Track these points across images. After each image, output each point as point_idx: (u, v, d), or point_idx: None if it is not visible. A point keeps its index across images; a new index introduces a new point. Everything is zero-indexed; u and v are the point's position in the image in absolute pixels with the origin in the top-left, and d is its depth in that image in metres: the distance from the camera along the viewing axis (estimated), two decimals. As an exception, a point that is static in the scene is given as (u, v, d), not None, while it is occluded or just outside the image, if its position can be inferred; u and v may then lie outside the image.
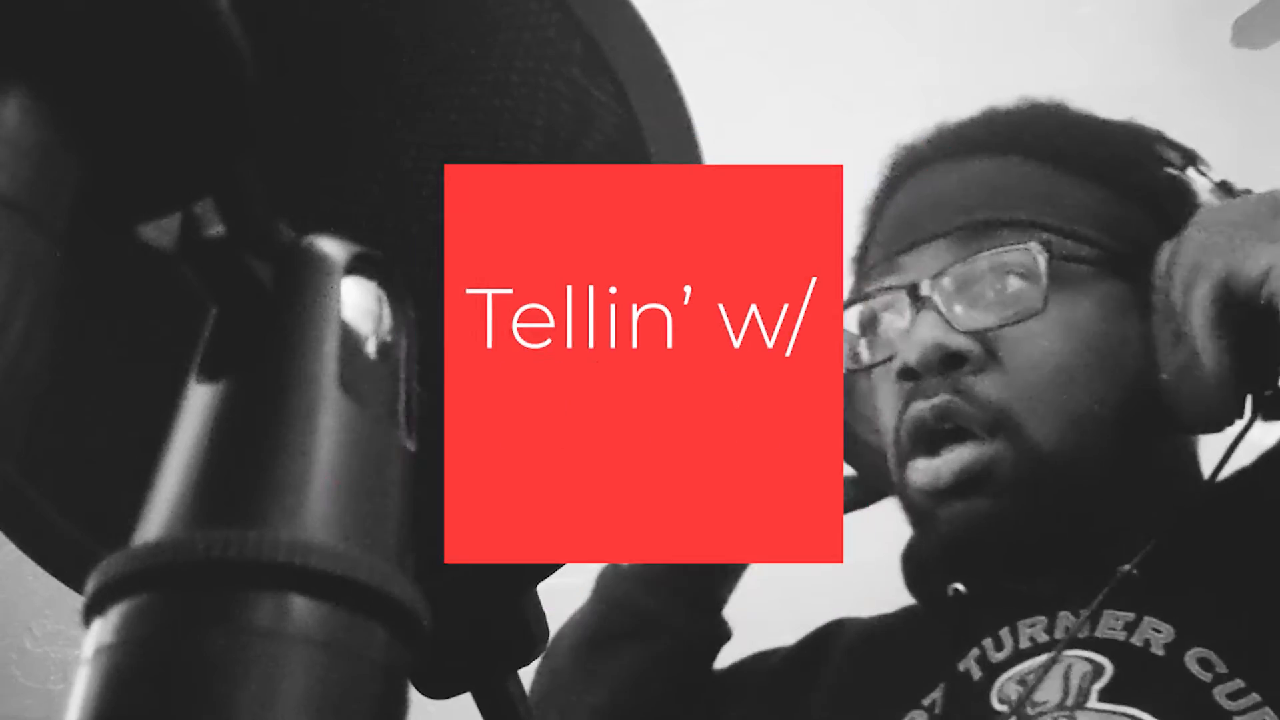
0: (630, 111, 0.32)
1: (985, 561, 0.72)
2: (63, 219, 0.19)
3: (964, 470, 0.69)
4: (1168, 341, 0.69)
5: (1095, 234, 0.72)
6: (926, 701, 0.72)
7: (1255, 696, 0.61)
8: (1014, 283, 0.71)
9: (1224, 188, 0.73)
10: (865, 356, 0.78)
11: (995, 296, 0.71)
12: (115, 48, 0.19)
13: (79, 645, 0.19)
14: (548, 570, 0.32)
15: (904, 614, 0.85)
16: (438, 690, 0.32)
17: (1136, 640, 0.66)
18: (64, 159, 0.19)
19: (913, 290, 0.73)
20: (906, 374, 0.72)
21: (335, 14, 0.35)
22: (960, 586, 0.75)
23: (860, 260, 0.83)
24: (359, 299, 0.23)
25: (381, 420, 0.22)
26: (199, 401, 0.21)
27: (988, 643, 0.72)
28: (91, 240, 0.20)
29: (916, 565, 0.83)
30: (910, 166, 0.80)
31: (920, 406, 0.71)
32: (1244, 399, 0.69)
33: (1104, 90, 0.76)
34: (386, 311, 0.24)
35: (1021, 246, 0.70)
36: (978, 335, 0.70)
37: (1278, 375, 0.70)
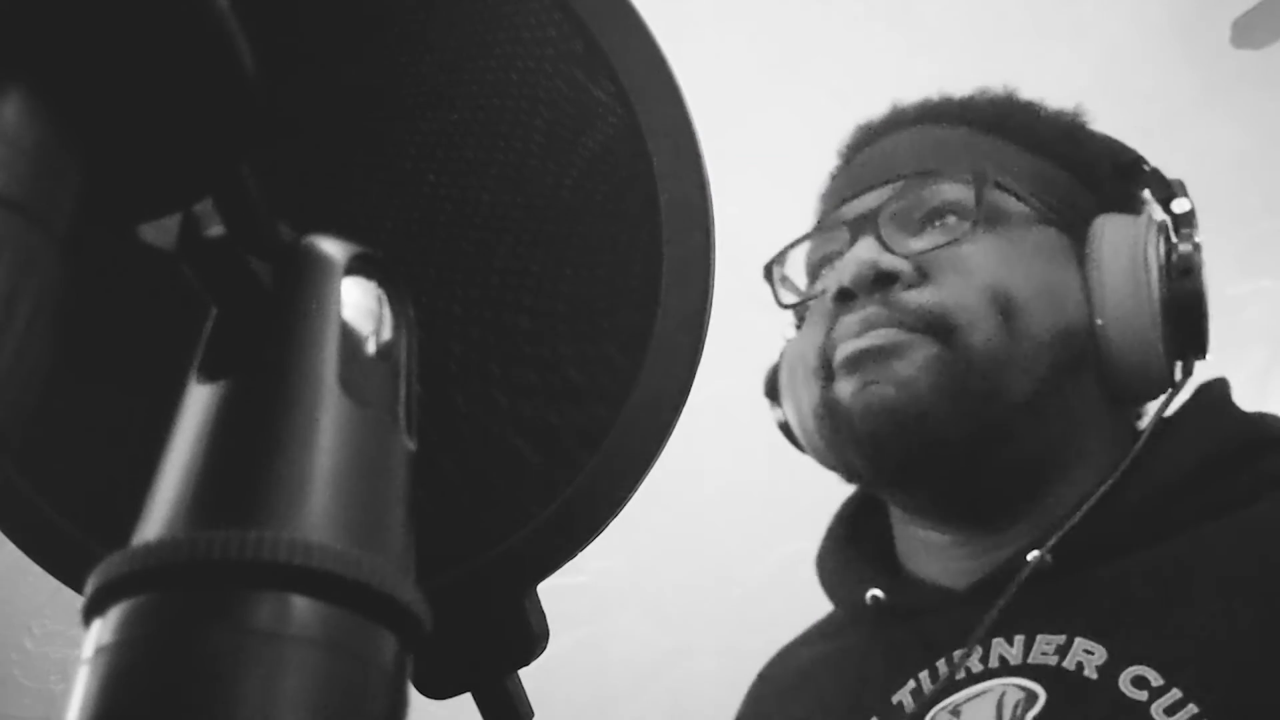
0: (631, 111, 0.32)
1: (896, 456, 0.71)
2: (63, 219, 0.19)
3: (881, 340, 0.70)
4: (1105, 293, 0.72)
5: (1034, 190, 0.75)
6: None
7: (1193, 708, 0.60)
8: (950, 219, 0.74)
9: (1150, 177, 0.79)
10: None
11: (931, 229, 0.74)
12: (116, 47, 0.19)
13: (79, 645, 0.19)
14: (548, 569, 0.32)
15: (830, 626, 0.84)
16: (438, 690, 0.32)
17: (1069, 664, 0.66)
18: (64, 159, 0.19)
19: (853, 224, 0.75)
20: (841, 295, 0.73)
21: (335, 14, 0.35)
22: (879, 593, 0.75)
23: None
24: (359, 299, 0.23)
25: (381, 420, 0.22)
26: (199, 401, 0.21)
27: (923, 675, 0.71)
28: (90, 238, 0.20)
29: (831, 565, 0.83)
30: (862, 143, 0.83)
31: (848, 319, 0.72)
32: (1174, 362, 0.73)
33: (1104, 90, 0.76)
34: (386, 311, 0.24)
35: (957, 183, 0.74)
36: (911, 258, 0.72)
37: (1205, 347, 0.74)
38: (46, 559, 0.35)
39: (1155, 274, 0.73)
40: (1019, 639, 0.68)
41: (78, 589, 0.20)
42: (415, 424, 0.24)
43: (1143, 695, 0.62)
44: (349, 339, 0.22)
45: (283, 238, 0.23)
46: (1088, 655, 0.65)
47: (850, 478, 0.79)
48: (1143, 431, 0.75)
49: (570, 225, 0.33)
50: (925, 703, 0.69)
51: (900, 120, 0.82)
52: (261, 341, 0.22)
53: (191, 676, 0.18)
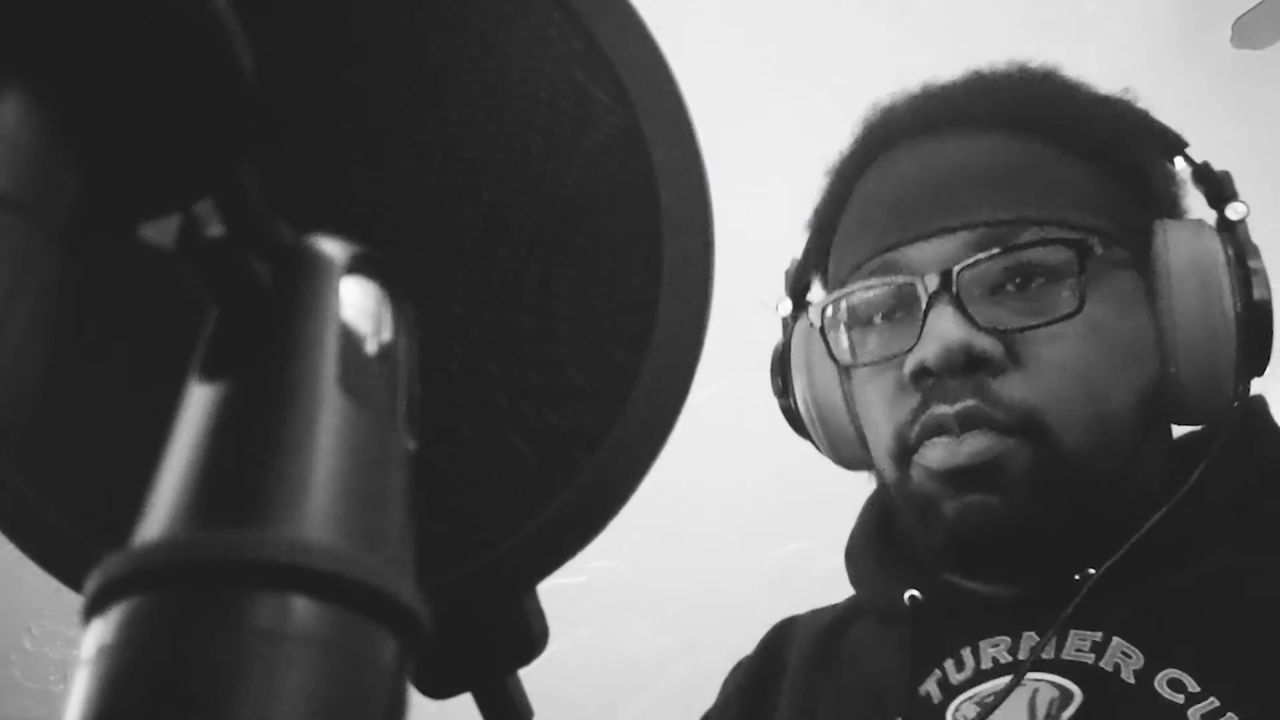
0: (631, 111, 0.32)
1: (989, 559, 0.68)
2: (62, 218, 0.19)
3: (982, 454, 0.65)
4: (1177, 336, 0.67)
5: (1104, 223, 0.68)
6: None
7: (1232, 716, 0.58)
8: (1039, 282, 0.66)
9: (1202, 174, 0.72)
10: (854, 352, 0.74)
11: (1020, 296, 0.67)
12: (115, 46, 0.19)
13: (79, 645, 0.19)
14: (548, 569, 0.32)
15: (853, 614, 0.81)
16: (437, 690, 0.32)
17: (1106, 664, 0.63)
18: (63, 158, 0.19)
19: (928, 286, 0.67)
20: (922, 374, 0.67)
21: (334, 14, 0.35)
22: (916, 593, 0.73)
23: (821, 230, 0.79)
24: (359, 299, 0.23)
25: (381, 420, 0.22)
26: (199, 401, 0.21)
27: (949, 664, 0.69)
28: (91, 236, 0.20)
29: (866, 564, 0.79)
30: (890, 136, 0.75)
31: (942, 411, 0.66)
32: (1240, 386, 0.68)
33: (1106, 89, 0.76)
34: (386, 311, 0.24)
35: (1049, 246, 0.66)
36: (1001, 336, 0.66)
37: (1267, 362, 0.69)
38: (45, 557, 0.35)
39: (1229, 302, 0.67)
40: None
41: (76, 588, 0.20)
42: (416, 424, 0.24)
43: (1179, 698, 0.60)
44: (349, 339, 0.22)
45: (283, 238, 0.23)
46: (1125, 658, 0.63)
47: (939, 569, 0.74)
48: (1186, 445, 0.72)
49: (571, 225, 0.33)
50: (950, 690, 0.67)
51: (931, 115, 0.73)
52: (261, 341, 0.22)
53: (191, 677, 0.18)
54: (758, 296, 0.85)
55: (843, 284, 0.73)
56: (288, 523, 0.19)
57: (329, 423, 0.21)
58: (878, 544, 0.80)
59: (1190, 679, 0.60)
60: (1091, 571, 0.65)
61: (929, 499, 0.68)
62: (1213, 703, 0.59)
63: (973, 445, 0.65)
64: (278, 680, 0.18)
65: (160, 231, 0.22)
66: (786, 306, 0.82)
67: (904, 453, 0.70)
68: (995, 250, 0.66)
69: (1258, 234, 0.69)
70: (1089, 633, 0.64)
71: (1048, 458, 0.65)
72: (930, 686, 0.69)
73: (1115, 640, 0.63)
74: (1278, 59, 2.22)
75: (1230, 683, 0.59)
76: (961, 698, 0.66)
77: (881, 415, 0.71)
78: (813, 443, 0.81)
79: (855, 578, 0.81)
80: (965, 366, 0.65)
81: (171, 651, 0.18)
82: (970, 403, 0.65)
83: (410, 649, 0.21)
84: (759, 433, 1.50)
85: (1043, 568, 0.68)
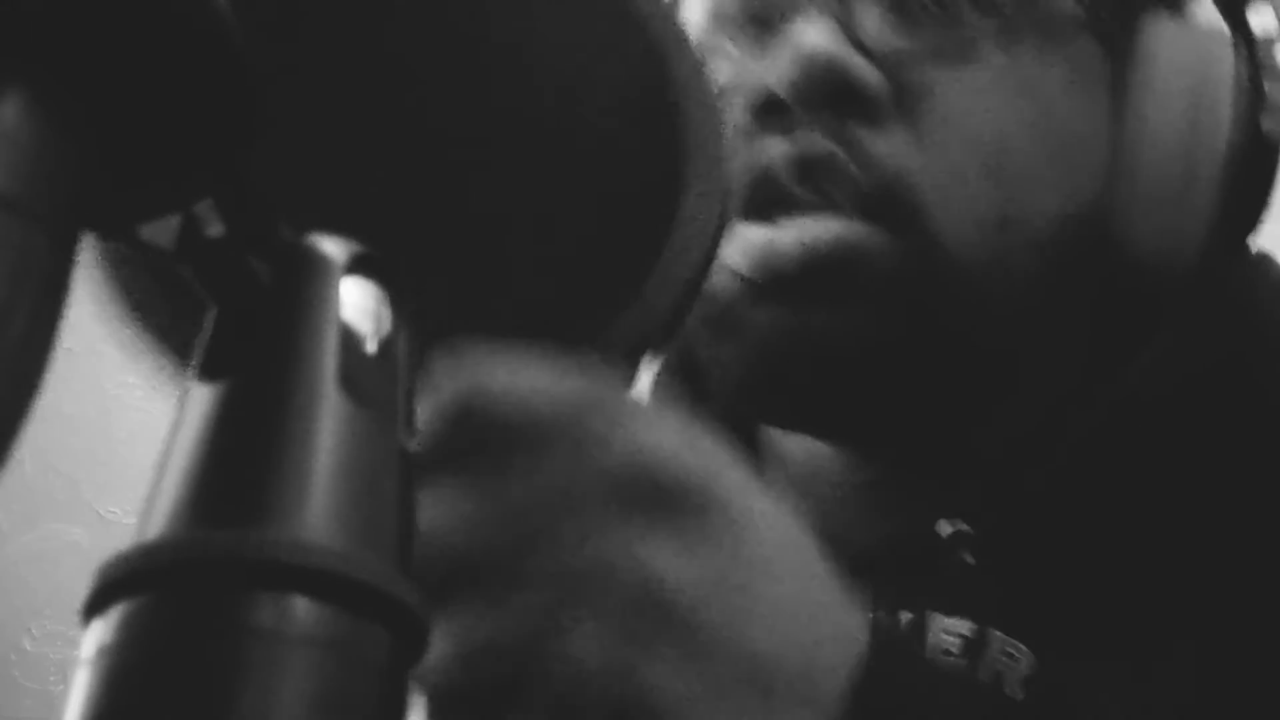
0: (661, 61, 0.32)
1: (817, 406, 0.47)
2: (62, 218, 0.19)
3: (820, 250, 0.43)
4: (1142, 152, 0.46)
5: None
6: None
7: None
8: (963, 5, 0.45)
9: None
10: None
11: (928, 10, 0.45)
12: (115, 46, 0.19)
13: (79, 645, 0.19)
14: None
15: None
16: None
17: (984, 674, 0.43)
18: (63, 158, 0.19)
19: None
20: (767, 107, 0.44)
21: (334, 13, 0.35)
22: None
23: None
24: (359, 299, 0.23)
25: (381, 420, 0.22)
26: (198, 401, 0.21)
27: None
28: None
29: None
30: None
31: (775, 145, 0.44)
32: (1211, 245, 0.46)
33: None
34: (386, 311, 0.24)
35: None
36: (891, 62, 0.44)
37: (1257, 221, 0.48)
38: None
39: (1225, 117, 0.45)
40: (905, 617, 0.45)
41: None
42: (415, 423, 0.24)
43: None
44: (349, 339, 0.22)
45: (283, 238, 0.23)
46: (1009, 661, 0.43)
47: (748, 412, 0.51)
48: (1117, 339, 0.49)
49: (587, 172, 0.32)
50: None
51: None
52: (261, 341, 0.22)
53: (191, 677, 0.18)
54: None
55: None
56: (287, 523, 0.19)
57: (329, 423, 0.21)
58: (677, 386, 0.53)
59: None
60: (961, 529, 0.45)
61: (730, 305, 0.45)
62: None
63: (812, 235, 0.44)
64: (278, 681, 0.18)
65: (160, 231, 0.22)
66: None
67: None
68: None
69: (1258, 235, 0.60)
70: (958, 623, 0.44)
71: (918, 254, 0.44)
72: None
73: (994, 635, 0.44)
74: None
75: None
76: None
77: None
78: None
79: None
80: (829, 97, 0.43)
81: (172, 652, 0.18)
82: (820, 146, 0.43)
83: (410, 649, 0.21)
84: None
85: (898, 426, 0.48)
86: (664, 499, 0.29)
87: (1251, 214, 0.47)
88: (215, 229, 0.22)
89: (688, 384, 0.52)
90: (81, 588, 0.19)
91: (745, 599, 0.30)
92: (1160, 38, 0.47)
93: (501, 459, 0.30)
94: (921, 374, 0.46)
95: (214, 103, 0.20)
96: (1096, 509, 0.46)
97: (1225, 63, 0.46)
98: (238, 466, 0.20)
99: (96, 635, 0.19)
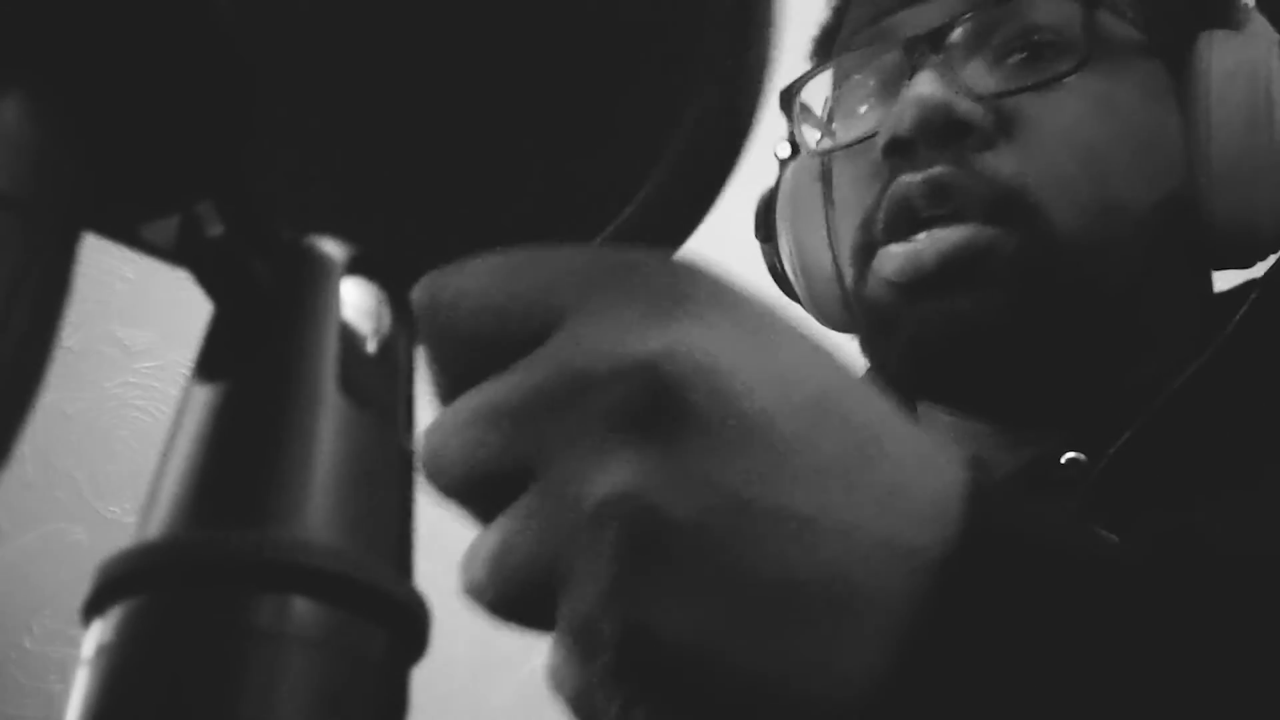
0: None
1: (961, 369, 0.55)
2: (63, 219, 0.19)
3: (953, 252, 0.53)
4: (1212, 143, 0.55)
5: (1135, 11, 0.57)
6: None
7: None
8: (1043, 45, 0.55)
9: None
10: (836, 139, 0.61)
11: (1016, 58, 0.56)
12: (115, 47, 0.19)
13: (79, 645, 0.19)
14: None
15: None
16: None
17: None
18: (65, 159, 0.19)
19: (910, 45, 0.56)
20: (894, 147, 0.55)
21: (333, 13, 0.35)
22: None
23: (829, 34, 0.66)
24: (359, 299, 0.23)
25: (381, 420, 0.22)
26: (199, 401, 0.21)
27: None
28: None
29: None
30: None
31: (908, 179, 0.54)
32: None
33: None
34: (386, 311, 0.24)
35: (1055, 1, 0.55)
36: (990, 101, 0.54)
37: None
38: None
39: (1278, 114, 0.55)
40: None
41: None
42: (414, 423, 0.24)
43: None
44: (349, 339, 0.22)
45: (283, 238, 0.23)
46: None
47: (877, 370, 0.61)
48: (1223, 302, 0.59)
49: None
50: None
51: None
52: (261, 341, 0.22)
53: (191, 676, 0.18)
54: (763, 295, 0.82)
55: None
56: (287, 523, 0.19)
57: (329, 423, 0.21)
58: None
59: None
60: (1081, 457, 0.53)
61: (885, 306, 0.56)
62: None
63: (947, 243, 0.53)
64: (277, 680, 0.18)
65: (160, 231, 0.22)
66: (785, 149, 0.69)
67: (867, 247, 0.58)
68: (978, 7, 0.55)
69: None
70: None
71: (1038, 242, 0.53)
72: None
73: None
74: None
75: None
76: None
77: (849, 207, 0.60)
78: (799, 301, 0.69)
79: None
80: (943, 132, 0.54)
81: (172, 652, 0.18)
82: (942, 168, 0.53)
83: (411, 649, 0.21)
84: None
85: (1032, 388, 0.56)
86: (659, 408, 0.26)
87: None
88: (215, 229, 0.22)
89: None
90: (82, 587, 0.19)
91: (766, 518, 0.26)
92: (1213, 50, 0.57)
93: (471, 367, 0.28)
94: (1054, 344, 0.54)
95: (213, 103, 0.20)
96: (1202, 440, 0.53)
97: (1273, 62, 0.56)
98: (238, 466, 0.20)
99: (96, 635, 0.19)
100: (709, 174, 0.30)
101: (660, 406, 0.26)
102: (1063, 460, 0.53)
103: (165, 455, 0.21)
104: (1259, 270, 0.60)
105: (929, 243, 0.54)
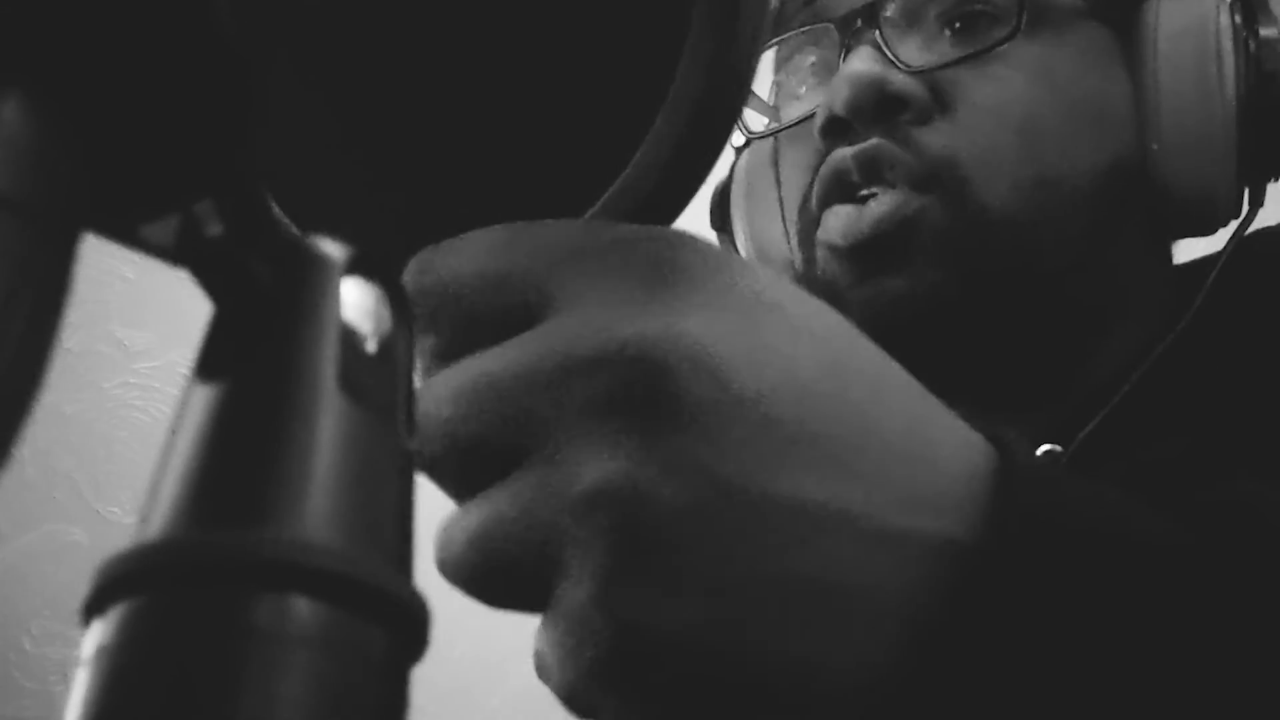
0: None
1: (912, 362, 0.56)
2: (62, 219, 0.19)
3: (886, 216, 0.53)
4: (1161, 104, 0.54)
5: None
6: None
7: None
8: (978, 14, 0.55)
9: None
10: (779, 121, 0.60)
11: (955, 30, 0.55)
12: (114, 46, 0.19)
13: (79, 645, 0.19)
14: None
15: None
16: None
17: None
18: (63, 158, 0.19)
19: (844, 22, 0.56)
20: (830, 127, 0.55)
21: (332, 14, 0.35)
22: None
23: (774, 18, 0.64)
24: (359, 299, 0.23)
25: (381, 420, 0.22)
26: (198, 401, 0.21)
27: None
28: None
29: None
30: None
31: (842, 153, 0.54)
32: (1242, 189, 0.56)
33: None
34: (386, 311, 0.24)
35: None
36: (925, 76, 0.54)
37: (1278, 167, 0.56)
38: None
39: (1230, 72, 0.53)
40: None
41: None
42: (414, 423, 0.24)
43: None
44: (349, 339, 0.22)
45: (283, 238, 0.23)
46: None
47: None
48: (1185, 276, 0.58)
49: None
50: None
51: None
52: (261, 341, 0.22)
53: (191, 677, 0.18)
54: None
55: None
56: (287, 523, 0.19)
57: (329, 423, 0.21)
58: None
59: None
60: (1056, 449, 0.52)
61: (835, 291, 0.56)
62: None
63: (877, 209, 0.53)
64: (277, 681, 0.18)
65: (160, 231, 0.22)
66: (739, 137, 0.68)
67: (807, 229, 0.57)
68: None
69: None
70: None
71: (964, 217, 0.53)
72: None
73: None
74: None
75: None
76: None
77: (791, 189, 0.59)
78: None
79: None
80: (878, 109, 0.54)
81: (171, 652, 0.18)
82: (875, 141, 0.53)
83: (410, 649, 0.21)
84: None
85: (987, 370, 0.55)
86: (650, 393, 0.25)
87: (1273, 151, 0.55)
88: (215, 229, 0.22)
89: None
90: (81, 587, 0.19)
91: (761, 507, 0.25)
92: (1160, 10, 0.55)
93: (465, 337, 0.27)
94: (998, 321, 0.54)
95: (213, 102, 0.20)
96: (1179, 418, 0.52)
97: (1222, 18, 0.54)
98: (238, 466, 0.20)
99: (96, 635, 0.19)
100: (693, 156, 0.30)
101: (651, 392, 0.25)
102: (1038, 453, 0.53)
103: (165, 455, 0.21)
104: (1220, 240, 0.59)
105: (867, 209, 0.54)
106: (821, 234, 0.56)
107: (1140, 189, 0.56)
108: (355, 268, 0.23)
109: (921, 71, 0.54)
